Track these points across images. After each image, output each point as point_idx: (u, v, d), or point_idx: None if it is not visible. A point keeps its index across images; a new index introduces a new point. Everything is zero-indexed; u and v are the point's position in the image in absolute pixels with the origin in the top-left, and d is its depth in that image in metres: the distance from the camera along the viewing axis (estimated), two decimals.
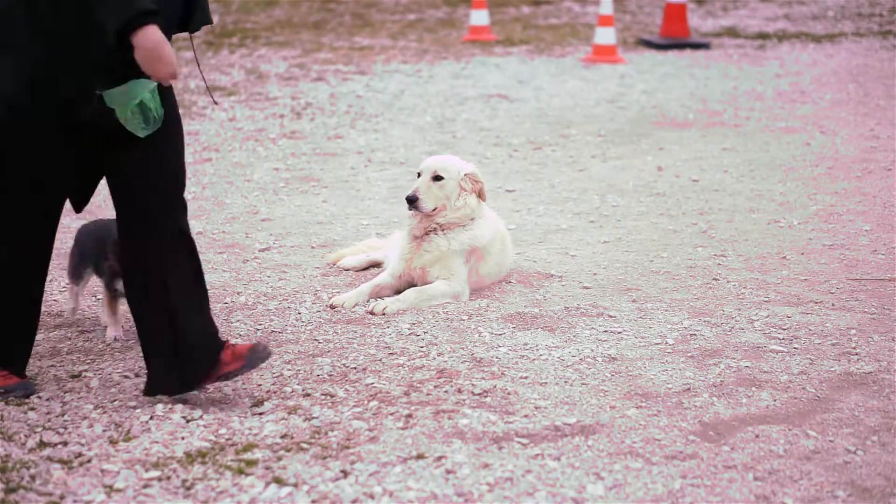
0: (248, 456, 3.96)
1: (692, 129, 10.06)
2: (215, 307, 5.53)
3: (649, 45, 15.13)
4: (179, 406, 4.35)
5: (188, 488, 3.75)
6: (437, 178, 5.76)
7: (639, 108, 11.06)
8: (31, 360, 4.80)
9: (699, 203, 7.62)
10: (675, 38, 15.06)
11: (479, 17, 15.80)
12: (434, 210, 5.75)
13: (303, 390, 4.53)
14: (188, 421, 4.24)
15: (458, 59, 14.02)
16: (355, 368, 4.76)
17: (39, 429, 4.18)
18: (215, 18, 17.33)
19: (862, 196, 7.69)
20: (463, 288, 5.73)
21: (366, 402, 4.42)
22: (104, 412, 4.31)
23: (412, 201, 5.73)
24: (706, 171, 8.50)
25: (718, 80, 12.56)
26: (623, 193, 7.91)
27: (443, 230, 5.79)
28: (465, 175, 5.80)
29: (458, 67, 13.39)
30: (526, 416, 4.28)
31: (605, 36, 13.97)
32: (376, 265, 6.19)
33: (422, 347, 5.03)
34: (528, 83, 12.44)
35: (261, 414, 4.31)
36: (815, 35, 15.89)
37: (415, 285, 5.75)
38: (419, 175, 5.84)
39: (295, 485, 3.76)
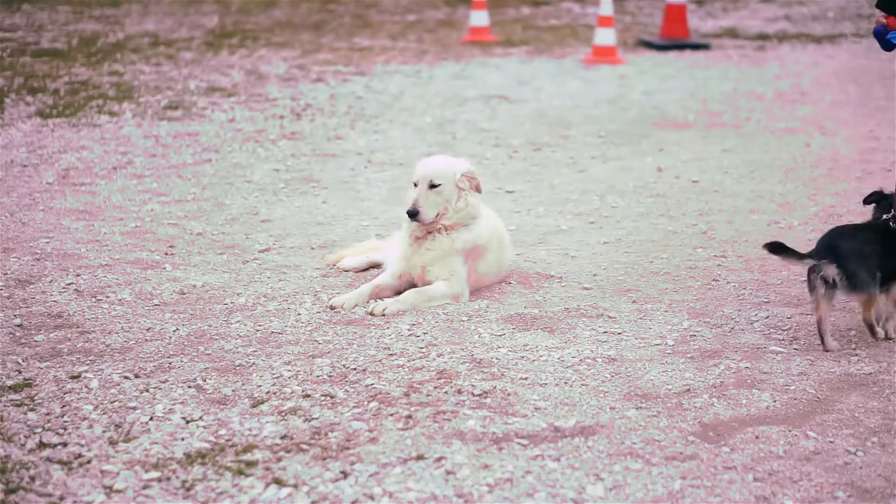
0: (247, 457, 3.96)
1: (692, 130, 10.06)
2: (215, 308, 5.53)
3: (649, 45, 15.13)
4: (179, 407, 4.35)
5: (188, 489, 3.75)
6: (434, 185, 5.70)
7: (639, 108, 11.06)
8: (30, 361, 4.80)
9: (699, 204, 7.61)
10: (675, 39, 15.06)
11: (479, 17, 15.80)
12: (437, 216, 5.71)
13: (302, 391, 4.52)
14: (188, 422, 4.24)
15: (458, 59, 14.02)
16: (355, 369, 4.75)
17: (39, 430, 4.17)
18: (214, 19, 17.34)
19: (862, 197, 7.67)
20: (463, 289, 5.72)
21: (365, 402, 4.41)
22: (104, 413, 4.31)
23: (414, 215, 5.64)
24: (706, 172, 8.49)
25: (718, 80, 12.56)
26: (623, 194, 7.91)
27: (446, 230, 5.76)
28: (462, 175, 5.77)
29: (457, 68, 13.39)
30: (526, 416, 4.28)
31: (605, 37, 13.97)
32: (376, 266, 6.18)
33: (421, 348, 5.03)
34: (527, 84, 12.44)
35: (260, 415, 4.31)
36: (815, 36, 15.89)
37: (415, 286, 5.74)
38: (415, 184, 5.76)
39: (295, 486, 3.76)
